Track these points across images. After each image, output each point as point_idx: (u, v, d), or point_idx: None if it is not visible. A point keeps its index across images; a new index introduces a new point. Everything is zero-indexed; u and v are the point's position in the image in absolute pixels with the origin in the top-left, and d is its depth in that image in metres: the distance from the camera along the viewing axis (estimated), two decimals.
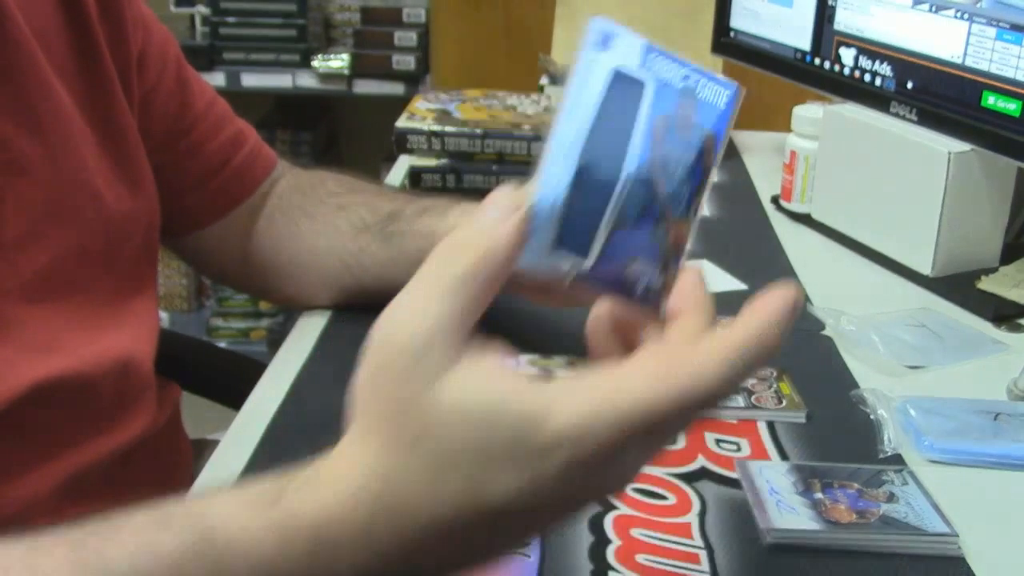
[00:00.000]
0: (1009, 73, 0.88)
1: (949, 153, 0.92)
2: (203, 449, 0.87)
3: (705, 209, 0.44)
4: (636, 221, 0.42)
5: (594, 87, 0.41)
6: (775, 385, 0.74)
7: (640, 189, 0.42)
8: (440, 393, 0.38)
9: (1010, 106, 0.88)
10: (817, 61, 1.11)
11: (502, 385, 0.38)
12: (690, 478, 0.64)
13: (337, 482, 0.39)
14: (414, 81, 2.32)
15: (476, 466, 0.38)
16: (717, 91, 0.43)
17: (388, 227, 0.80)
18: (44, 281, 0.65)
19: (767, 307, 0.39)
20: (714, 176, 0.43)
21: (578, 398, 0.38)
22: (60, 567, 0.39)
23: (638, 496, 0.62)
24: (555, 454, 0.37)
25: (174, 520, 0.40)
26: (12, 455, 0.64)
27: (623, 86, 0.42)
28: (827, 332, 0.84)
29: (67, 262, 0.67)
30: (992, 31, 0.89)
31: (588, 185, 0.41)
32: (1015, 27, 0.87)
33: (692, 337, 0.40)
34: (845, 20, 1.06)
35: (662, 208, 0.42)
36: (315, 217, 0.83)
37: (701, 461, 0.66)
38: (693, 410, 0.38)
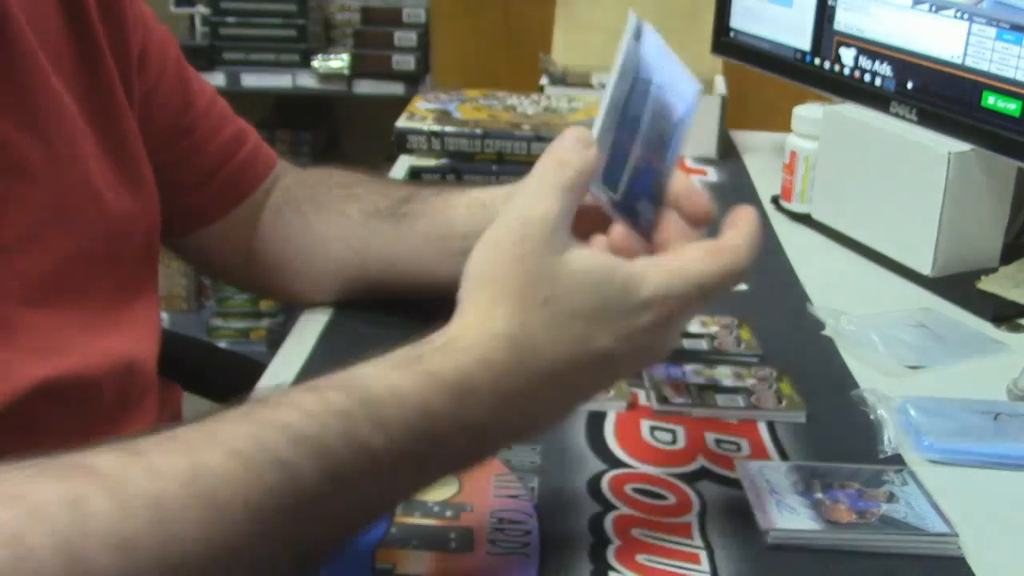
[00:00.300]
0: (1009, 73, 0.88)
1: (949, 153, 0.92)
2: None
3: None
4: (644, 171, 0.56)
5: (627, 75, 0.54)
6: (775, 385, 0.74)
7: (647, 150, 0.56)
8: (570, 262, 0.50)
9: (1010, 106, 0.88)
10: (817, 61, 1.11)
11: (609, 258, 0.51)
12: (690, 478, 0.64)
13: (471, 350, 0.49)
14: (414, 81, 2.32)
15: (592, 319, 0.50)
16: (688, 87, 0.59)
17: (401, 208, 0.79)
18: (45, 284, 0.65)
19: (745, 216, 0.55)
20: (685, 148, 0.63)
21: (660, 270, 0.51)
22: (236, 431, 0.45)
23: (638, 496, 0.62)
24: (647, 312, 0.51)
25: (327, 386, 0.47)
26: (14, 456, 0.64)
27: (642, 82, 0.55)
28: (827, 332, 0.83)
29: (68, 264, 0.67)
30: (992, 31, 0.89)
31: (619, 143, 0.54)
32: (1015, 27, 0.87)
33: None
34: (845, 20, 1.06)
35: (657, 164, 0.57)
36: (325, 205, 0.83)
37: (701, 461, 0.66)
38: (732, 279, 0.53)
